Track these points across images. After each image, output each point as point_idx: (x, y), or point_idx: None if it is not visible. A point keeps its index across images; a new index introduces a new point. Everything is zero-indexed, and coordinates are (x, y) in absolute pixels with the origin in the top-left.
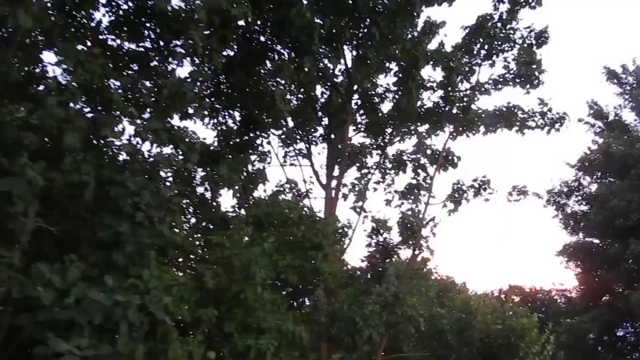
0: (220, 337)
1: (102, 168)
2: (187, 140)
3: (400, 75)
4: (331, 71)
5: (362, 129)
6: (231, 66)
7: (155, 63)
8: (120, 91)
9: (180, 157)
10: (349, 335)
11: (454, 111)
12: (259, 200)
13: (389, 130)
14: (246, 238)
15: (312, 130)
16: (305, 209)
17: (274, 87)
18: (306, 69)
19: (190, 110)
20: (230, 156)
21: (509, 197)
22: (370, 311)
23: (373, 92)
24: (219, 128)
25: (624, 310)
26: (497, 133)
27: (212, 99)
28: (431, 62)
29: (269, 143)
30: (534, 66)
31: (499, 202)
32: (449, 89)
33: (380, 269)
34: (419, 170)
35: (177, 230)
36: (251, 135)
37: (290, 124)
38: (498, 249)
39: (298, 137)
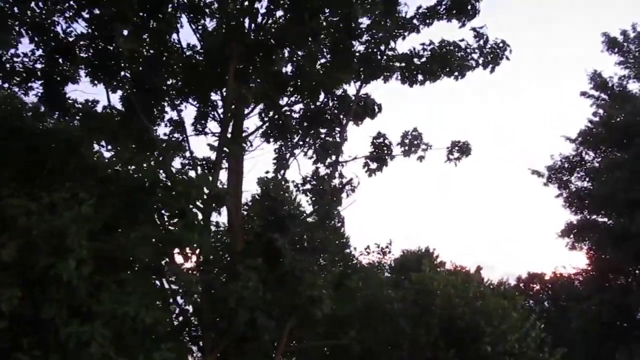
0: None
1: None
2: None
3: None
4: None
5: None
6: None
7: None
8: None
9: None
10: (224, 320)
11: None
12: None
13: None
14: None
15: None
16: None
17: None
18: None
19: None
20: None
21: (450, 156)
22: (249, 289)
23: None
24: None
25: (636, 291)
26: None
27: None
28: None
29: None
30: None
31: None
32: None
33: (270, 242)
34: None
35: None
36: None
37: None
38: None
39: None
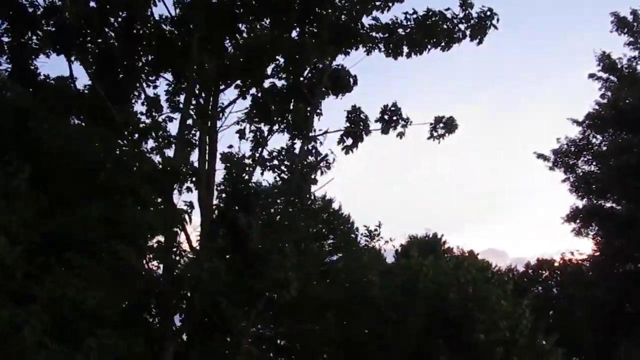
0: None
1: None
2: None
3: None
4: None
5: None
6: None
7: None
8: None
9: None
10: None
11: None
12: None
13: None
14: None
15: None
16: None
17: None
18: None
19: None
20: None
21: (433, 132)
22: (207, 272)
23: None
24: None
25: None
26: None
27: None
28: None
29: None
30: None
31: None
32: None
33: (233, 221)
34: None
35: None
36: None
37: None
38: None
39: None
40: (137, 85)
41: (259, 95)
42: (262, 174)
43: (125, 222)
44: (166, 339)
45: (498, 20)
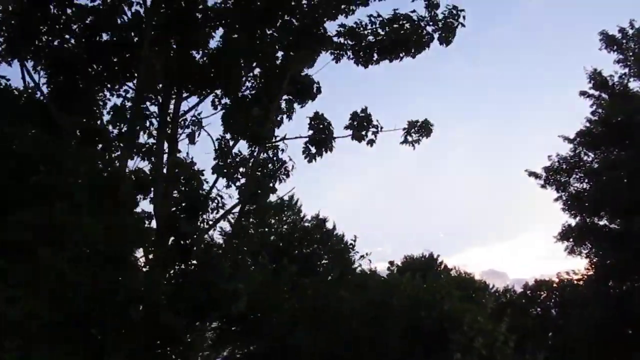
0: None
1: None
2: None
3: None
4: None
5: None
6: None
7: None
8: None
9: None
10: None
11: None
12: None
13: None
14: None
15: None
16: None
17: None
18: None
19: None
20: None
21: (408, 138)
22: (140, 281)
23: None
24: None
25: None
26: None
27: None
28: None
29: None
30: None
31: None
32: None
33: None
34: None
35: None
36: None
37: None
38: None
39: None
40: (101, 94)
41: (227, 103)
42: (216, 181)
43: (57, 226)
44: (106, 354)
45: (464, 17)
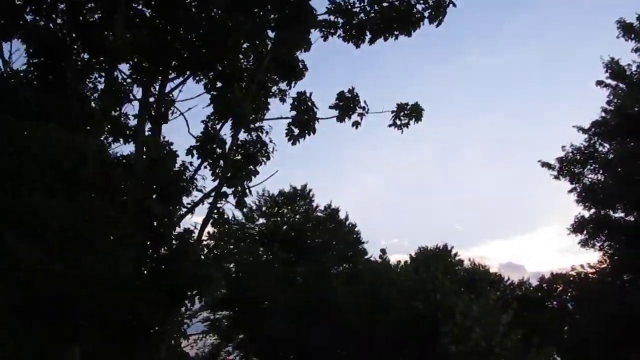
0: None
1: None
2: None
3: None
4: None
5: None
6: None
7: None
8: None
9: None
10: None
11: None
12: None
13: None
14: None
15: None
16: None
17: None
18: None
19: None
20: None
21: (396, 121)
22: (104, 266)
23: None
24: None
25: None
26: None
27: None
28: None
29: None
30: None
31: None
32: None
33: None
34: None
35: None
36: None
37: None
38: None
39: None
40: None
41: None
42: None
43: (18, 209)
44: (69, 339)
45: None
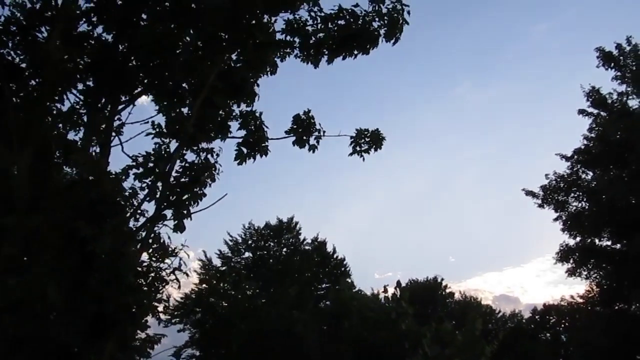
0: None
1: None
2: None
3: None
4: None
5: None
6: None
7: None
8: None
9: None
10: None
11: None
12: None
13: None
14: None
15: None
16: None
17: None
18: None
19: None
20: None
21: (356, 147)
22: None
23: None
24: None
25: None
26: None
27: None
28: None
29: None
30: None
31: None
32: None
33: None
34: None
35: None
36: None
37: None
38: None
39: None
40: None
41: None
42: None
43: None
44: None
45: (409, 13)
